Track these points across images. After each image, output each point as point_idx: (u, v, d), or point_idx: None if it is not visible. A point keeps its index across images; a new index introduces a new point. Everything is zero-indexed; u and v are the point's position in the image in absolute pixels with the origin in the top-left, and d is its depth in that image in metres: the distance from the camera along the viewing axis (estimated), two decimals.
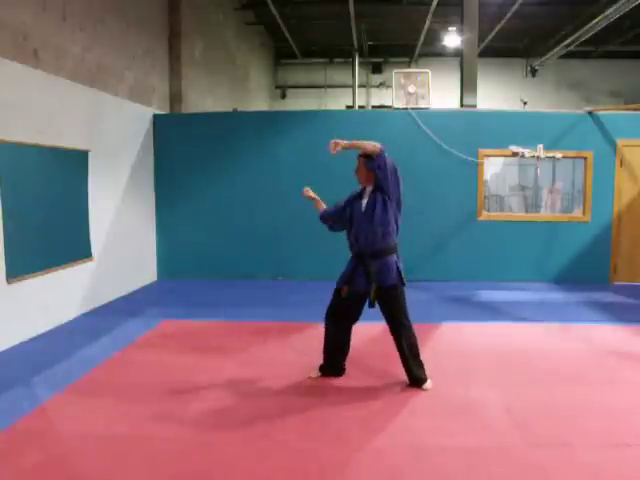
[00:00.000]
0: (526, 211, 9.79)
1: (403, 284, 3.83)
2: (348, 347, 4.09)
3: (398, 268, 3.82)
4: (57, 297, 5.52)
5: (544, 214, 8.69)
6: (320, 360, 4.12)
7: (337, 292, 3.95)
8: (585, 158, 7.54)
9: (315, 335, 5.09)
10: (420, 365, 3.90)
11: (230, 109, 10.37)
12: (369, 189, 3.89)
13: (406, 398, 3.70)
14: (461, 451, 3.01)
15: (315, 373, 4.10)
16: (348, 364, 4.13)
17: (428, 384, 3.86)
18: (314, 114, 8.13)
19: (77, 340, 5.01)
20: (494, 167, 9.72)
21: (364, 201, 3.89)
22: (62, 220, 5.62)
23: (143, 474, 2.80)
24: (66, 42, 5.78)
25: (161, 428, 3.29)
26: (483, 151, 7.58)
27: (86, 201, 6.03)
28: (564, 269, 7.66)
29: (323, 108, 14.81)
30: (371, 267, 3.77)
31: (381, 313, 3.88)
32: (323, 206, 4.16)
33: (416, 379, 3.87)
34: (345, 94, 15.47)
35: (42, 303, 5.26)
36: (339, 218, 4.02)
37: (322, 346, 4.09)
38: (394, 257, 3.84)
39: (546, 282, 7.63)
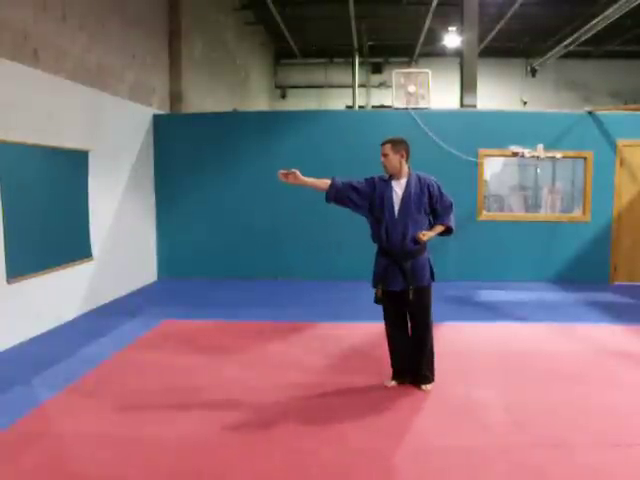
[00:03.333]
0: (526, 211, 9.79)
1: (433, 280, 3.79)
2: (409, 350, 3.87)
3: (431, 267, 3.76)
4: (57, 297, 5.52)
5: (544, 214, 8.68)
6: (322, 360, 4.10)
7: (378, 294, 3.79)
8: (585, 158, 7.54)
9: (315, 335, 5.11)
10: (431, 365, 3.85)
11: (230, 109, 10.38)
12: (403, 180, 3.69)
13: (406, 398, 3.70)
14: (461, 451, 3.01)
15: (389, 382, 3.90)
16: (347, 364, 4.11)
17: (429, 386, 3.82)
18: (314, 114, 8.13)
19: (77, 340, 5.01)
20: (494, 167, 9.72)
21: (398, 194, 3.68)
22: (62, 220, 5.62)
23: (143, 474, 2.80)
24: (66, 42, 5.78)
25: (161, 428, 3.29)
26: (483, 151, 7.58)
27: (86, 201, 6.03)
28: (564, 269, 7.66)
29: (323, 108, 14.81)
30: (405, 267, 3.65)
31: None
32: (324, 180, 3.76)
33: (423, 377, 3.80)
34: (345, 94, 15.47)
35: (42, 303, 5.26)
36: (361, 200, 3.71)
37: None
38: (427, 255, 3.76)
39: (546, 282, 7.63)
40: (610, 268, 7.61)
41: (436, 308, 6.29)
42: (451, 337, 5.12)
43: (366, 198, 3.72)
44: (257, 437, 3.18)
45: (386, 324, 3.87)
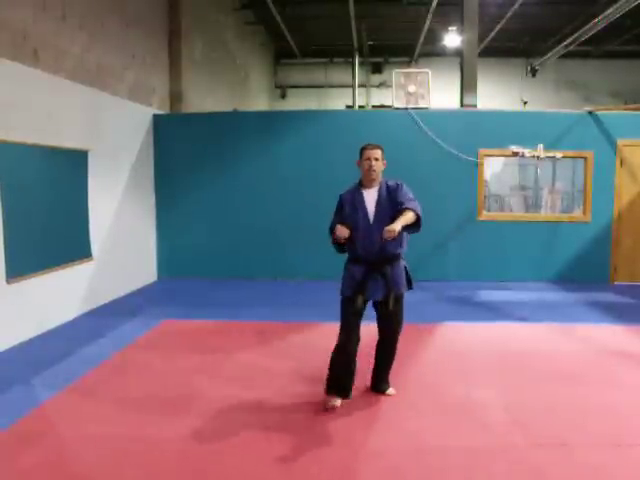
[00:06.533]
0: (526, 211, 9.80)
1: (411, 288, 3.68)
2: (355, 364, 3.69)
3: (408, 274, 3.63)
4: (57, 297, 5.52)
5: (544, 214, 8.69)
6: (322, 360, 4.07)
7: (348, 302, 3.56)
8: (585, 158, 7.53)
9: (315, 335, 5.11)
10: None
11: (230, 109, 10.38)
12: (373, 189, 3.57)
13: (406, 398, 3.70)
14: (461, 451, 3.01)
15: (331, 403, 3.59)
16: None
17: (393, 390, 3.81)
18: (314, 114, 8.12)
19: (77, 340, 5.01)
20: (494, 167, 9.72)
21: (372, 201, 3.55)
22: (62, 220, 5.62)
23: (142, 474, 2.80)
24: (66, 42, 5.78)
25: (161, 428, 3.29)
26: (483, 151, 7.58)
27: (86, 201, 6.03)
28: (564, 269, 7.65)
29: (323, 108, 14.81)
30: (386, 273, 3.51)
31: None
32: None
33: (384, 387, 3.82)
34: (345, 94, 15.47)
35: (42, 303, 5.26)
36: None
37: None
38: (404, 263, 3.63)
39: (546, 282, 7.62)
40: (610, 268, 7.61)
41: (436, 308, 6.33)
42: (451, 337, 5.12)
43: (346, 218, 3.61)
44: (257, 437, 3.18)
45: (344, 334, 3.56)
